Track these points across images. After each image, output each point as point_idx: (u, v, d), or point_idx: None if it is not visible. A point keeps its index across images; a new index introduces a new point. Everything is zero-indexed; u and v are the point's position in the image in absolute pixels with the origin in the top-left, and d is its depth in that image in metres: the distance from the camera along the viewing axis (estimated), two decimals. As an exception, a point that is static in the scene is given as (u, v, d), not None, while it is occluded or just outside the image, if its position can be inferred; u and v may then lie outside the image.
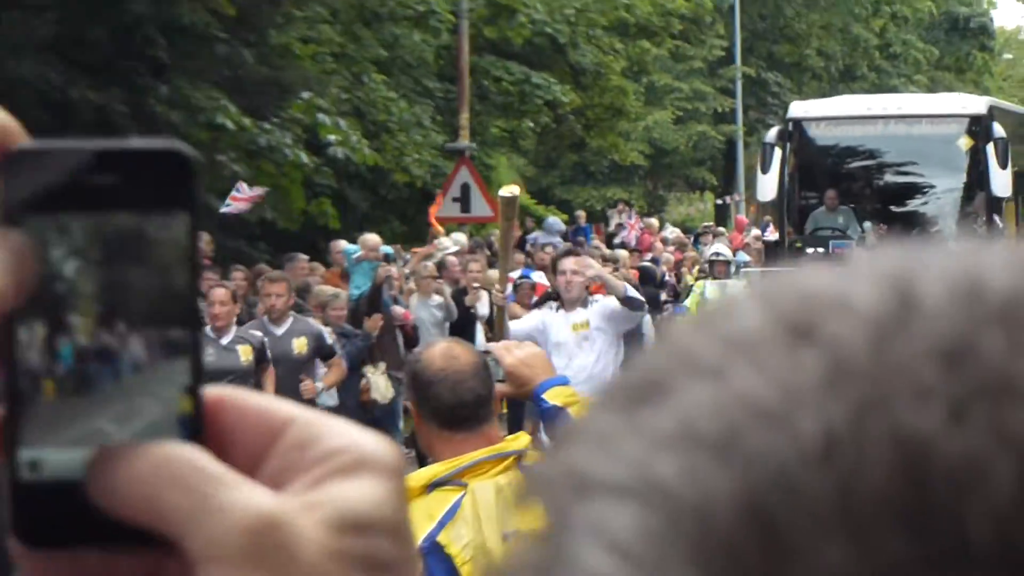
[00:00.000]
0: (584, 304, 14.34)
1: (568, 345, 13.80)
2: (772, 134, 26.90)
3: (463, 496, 5.39)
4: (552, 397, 6.47)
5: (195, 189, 0.88)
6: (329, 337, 15.94)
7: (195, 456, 0.86)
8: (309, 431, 0.90)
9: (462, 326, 20.76)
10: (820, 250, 24.23)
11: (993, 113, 26.15)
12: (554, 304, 14.76)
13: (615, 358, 14.08)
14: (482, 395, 5.70)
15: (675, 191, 55.86)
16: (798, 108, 28.54)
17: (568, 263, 14.52)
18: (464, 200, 25.42)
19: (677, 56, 43.51)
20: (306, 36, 26.28)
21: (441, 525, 5.35)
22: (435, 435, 5.64)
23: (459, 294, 21.42)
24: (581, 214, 41.09)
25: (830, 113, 28.30)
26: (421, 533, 5.26)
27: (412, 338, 20.27)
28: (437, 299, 21.02)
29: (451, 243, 24.37)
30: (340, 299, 18.94)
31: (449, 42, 30.49)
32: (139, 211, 0.88)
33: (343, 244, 22.73)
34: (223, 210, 21.71)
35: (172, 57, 22.49)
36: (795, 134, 26.55)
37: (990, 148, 24.62)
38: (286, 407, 0.93)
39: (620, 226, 40.53)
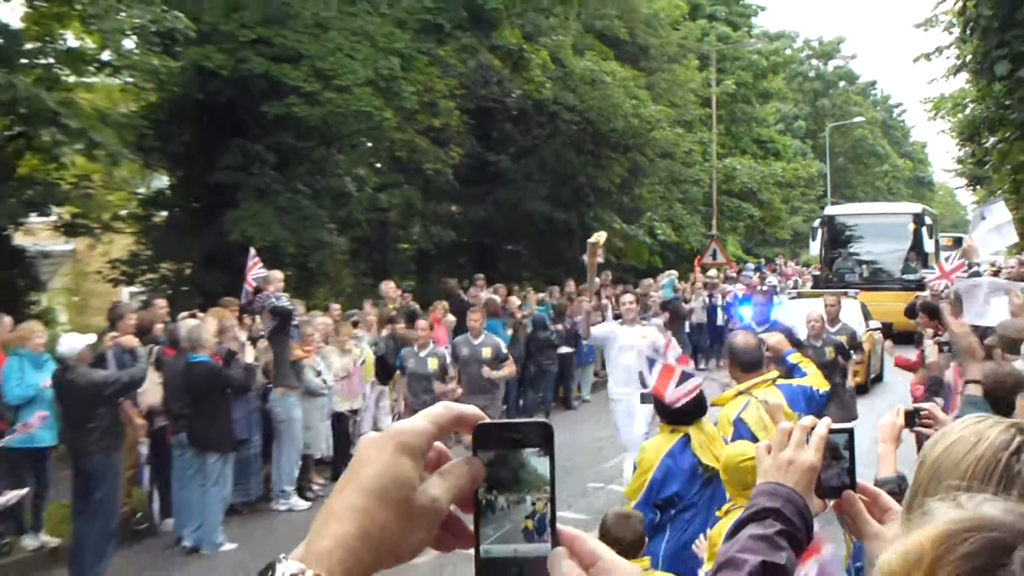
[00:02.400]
0: (640, 321, 9.64)
1: (634, 347, 9.00)
2: (816, 222, 24.62)
3: (751, 399, 5.04)
4: (792, 359, 6.09)
5: (553, 442, 0.80)
6: (504, 348, 10.42)
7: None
8: None
9: (713, 310, 19.84)
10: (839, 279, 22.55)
11: (924, 211, 23.84)
12: (619, 320, 9.70)
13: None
14: (759, 358, 5.31)
15: (802, 249, 53.37)
16: (830, 209, 26.25)
17: (626, 297, 9.78)
18: (713, 255, 24.66)
19: (805, 193, 41.58)
20: (644, 194, 25.60)
21: (742, 409, 5.00)
22: (738, 373, 5.26)
23: (710, 297, 20.64)
24: (763, 260, 39.94)
25: (845, 212, 25.95)
26: (734, 413, 5.00)
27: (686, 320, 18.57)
28: (700, 301, 20.27)
29: (713, 272, 23.58)
30: (656, 301, 17.94)
31: (708, 190, 29.69)
32: (530, 448, 0.80)
33: (663, 277, 22.07)
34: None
35: (595, 200, 22.28)
36: (828, 221, 24.22)
37: (923, 229, 22.46)
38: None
39: (781, 265, 39.16)
